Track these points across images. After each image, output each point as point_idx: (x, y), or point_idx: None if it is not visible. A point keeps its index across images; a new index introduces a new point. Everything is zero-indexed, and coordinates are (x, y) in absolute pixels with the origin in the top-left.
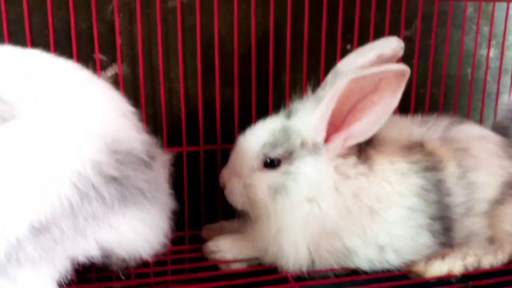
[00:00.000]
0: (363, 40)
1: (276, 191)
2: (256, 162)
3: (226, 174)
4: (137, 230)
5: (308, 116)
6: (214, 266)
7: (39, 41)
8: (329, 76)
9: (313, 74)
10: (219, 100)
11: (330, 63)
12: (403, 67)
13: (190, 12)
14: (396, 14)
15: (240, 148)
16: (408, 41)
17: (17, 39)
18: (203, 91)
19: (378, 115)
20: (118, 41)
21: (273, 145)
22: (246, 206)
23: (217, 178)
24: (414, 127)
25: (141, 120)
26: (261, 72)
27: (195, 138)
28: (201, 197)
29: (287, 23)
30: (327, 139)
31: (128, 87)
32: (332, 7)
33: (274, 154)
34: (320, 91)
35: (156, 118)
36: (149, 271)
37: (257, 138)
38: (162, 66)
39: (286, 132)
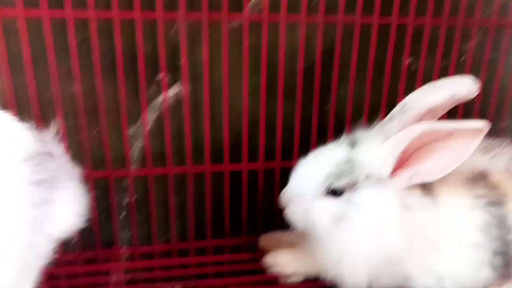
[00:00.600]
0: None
1: (338, 219)
2: (319, 189)
3: (287, 197)
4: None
5: (374, 149)
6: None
7: (104, 64)
8: (397, 109)
9: (375, 88)
10: (279, 117)
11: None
12: (481, 125)
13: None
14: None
15: (302, 173)
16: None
17: (84, 61)
18: (263, 107)
19: (449, 161)
20: (184, 62)
21: (338, 175)
22: (307, 229)
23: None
24: (477, 156)
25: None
26: (322, 87)
27: (255, 154)
28: (259, 208)
29: (352, 39)
30: (392, 173)
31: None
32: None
33: (338, 183)
34: (387, 123)
35: (217, 135)
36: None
37: (321, 166)
38: (224, 84)
39: (351, 163)
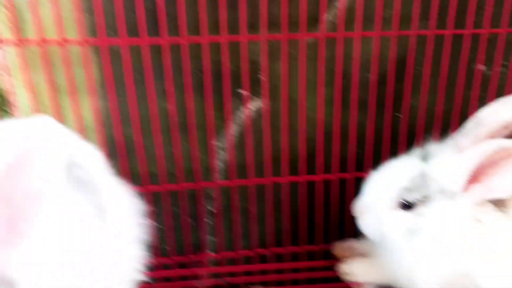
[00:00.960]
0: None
1: (411, 232)
2: (392, 201)
3: (360, 207)
4: None
5: (447, 163)
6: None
7: (194, 83)
8: (470, 124)
9: (448, 97)
10: (353, 128)
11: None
12: None
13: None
14: None
15: (376, 185)
16: None
17: (175, 79)
18: (337, 118)
19: None
20: (264, 79)
21: (410, 189)
22: (379, 239)
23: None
24: None
25: None
26: (394, 97)
27: (329, 164)
28: (333, 216)
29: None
30: (465, 187)
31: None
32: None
33: (411, 197)
34: (460, 138)
35: (293, 146)
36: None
37: (394, 179)
38: (301, 97)
39: (423, 178)
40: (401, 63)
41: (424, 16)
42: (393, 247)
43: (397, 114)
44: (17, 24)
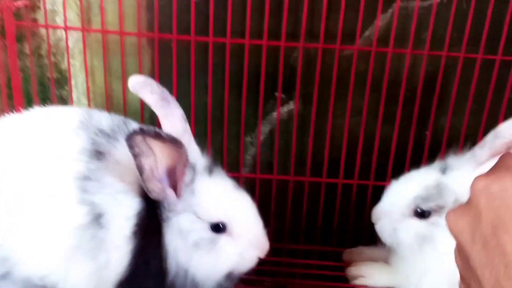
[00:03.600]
0: None
1: (424, 240)
2: (407, 209)
3: (378, 213)
4: None
5: (464, 175)
6: None
7: (234, 82)
8: (489, 137)
9: (475, 120)
10: (377, 139)
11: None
12: None
13: (361, 59)
14: None
15: (393, 193)
16: None
17: (217, 78)
18: (365, 129)
19: None
20: (298, 82)
21: (426, 198)
22: (394, 245)
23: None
24: None
25: None
26: (423, 114)
27: (352, 171)
28: (350, 221)
29: (456, 68)
30: None
31: (300, 121)
32: None
33: (426, 206)
34: (478, 150)
35: (320, 150)
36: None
37: (411, 188)
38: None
39: (440, 189)
40: (430, 81)
41: (459, 40)
42: (406, 253)
43: (423, 130)
44: (85, 14)
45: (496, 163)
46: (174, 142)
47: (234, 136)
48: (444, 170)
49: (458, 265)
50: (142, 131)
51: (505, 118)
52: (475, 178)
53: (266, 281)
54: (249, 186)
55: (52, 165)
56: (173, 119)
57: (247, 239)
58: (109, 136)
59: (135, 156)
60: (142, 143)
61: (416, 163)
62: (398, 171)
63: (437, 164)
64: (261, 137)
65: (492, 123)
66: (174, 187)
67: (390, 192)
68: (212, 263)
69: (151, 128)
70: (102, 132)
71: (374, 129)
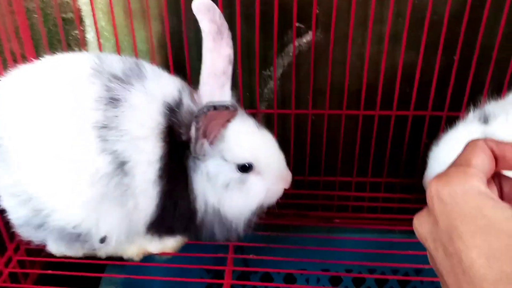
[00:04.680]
0: None
1: None
2: None
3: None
4: None
5: (510, 119)
6: None
7: (248, 13)
8: None
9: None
10: (402, 66)
11: None
12: None
13: None
14: None
15: (439, 158)
16: None
17: (229, 11)
18: (388, 56)
19: None
20: (315, 10)
21: None
22: None
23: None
24: None
25: None
26: (451, 40)
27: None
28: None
29: None
30: None
31: (321, 52)
32: None
33: None
34: None
35: (341, 81)
36: None
37: (457, 150)
38: (352, 33)
39: None
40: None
41: None
42: None
43: (453, 56)
44: None
45: (456, 158)
46: (233, 110)
47: (251, 70)
48: (486, 120)
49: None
50: (215, 109)
51: None
52: (429, 182)
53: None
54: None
55: (71, 117)
56: (219, 56)
57: (273, 174)
58: (123, 81)
59: (197, 128)
60: (210, 117)
61: (443, 86)
62: (421, 100)
63: (475, 114)
64: (280, 70)
65: None
66: (208, 136)
67: (437, 158)
68: (243, 201)
69: (221, 104)
70: (115, 77)
71: (397, 57)
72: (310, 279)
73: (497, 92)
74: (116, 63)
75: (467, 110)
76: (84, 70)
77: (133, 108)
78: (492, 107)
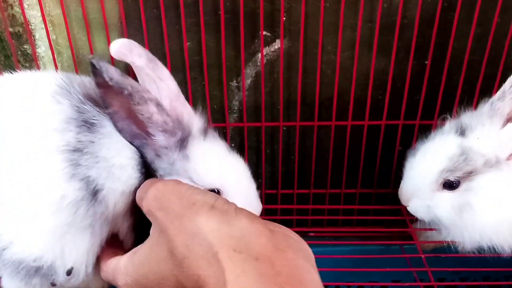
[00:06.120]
0: None
1: (461, 209)
2: (436, 185)
3: (405, 194)
4: None
5: (489, 133)
6: None
7: (212, 21)
8: (507, 85)
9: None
10: (374, 72)
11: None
12: None
13: None
14: None
15: (417, 170)
16: None
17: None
18: (359, 63)
19: None
20: (282, 18)
21: (453, 170)
22: (433, 221)
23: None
24: None
25: None
26: (420, 44)
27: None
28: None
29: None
30: (509, 156)
31: (290, 61)
32: None
33: (454, 177)
34: (497, 103)
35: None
36: None
37: (434, 162)
38: (322, 40)
39: (465, 155)
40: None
41: None
42: (446, 225)
43: (424, 61)
44: None
45: None
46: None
47: (217, 82)
48: (462, 132)
49: None
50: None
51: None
52: None
53: None
54: (238, 132)
55: (31, 139)
56: (166, 79)
57: (241, 203)
58: (97, 104)
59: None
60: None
61: (414, 96)
62: (394, 107)
63: (451, 125)
64: (248, 81)
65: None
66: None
67: (413, 170)
68: None
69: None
70: (88, 98)
71: (368, 63)
72: None
73: (469, 96)
74: (88, 83)
75: (440, 118)
76: (48, 88)
77: (110, 135)
78: (468, 118)
